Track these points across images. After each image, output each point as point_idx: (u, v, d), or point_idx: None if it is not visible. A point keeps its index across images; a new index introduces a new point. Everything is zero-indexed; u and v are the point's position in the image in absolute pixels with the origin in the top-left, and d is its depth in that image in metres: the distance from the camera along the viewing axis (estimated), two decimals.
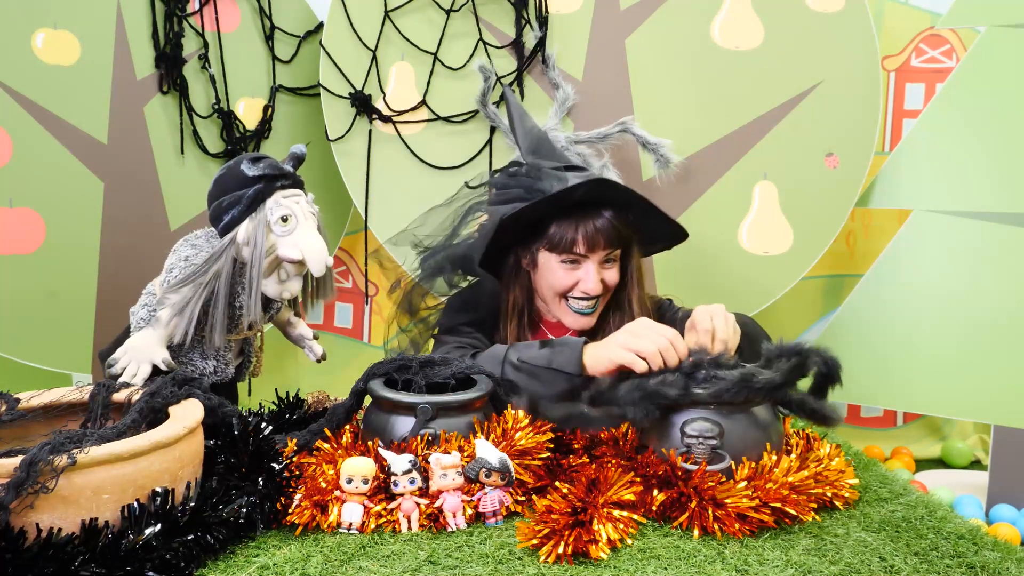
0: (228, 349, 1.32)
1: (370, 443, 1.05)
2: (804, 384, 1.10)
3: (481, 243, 1.55)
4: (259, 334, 1.40)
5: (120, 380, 1.18)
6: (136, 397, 1.03)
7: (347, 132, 2.29)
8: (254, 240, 1.22)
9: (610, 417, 1.05)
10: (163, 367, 1.21)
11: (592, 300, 1.50)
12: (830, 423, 1.08)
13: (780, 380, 1.01)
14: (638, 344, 1.19)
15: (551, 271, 1.51)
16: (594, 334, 1.53)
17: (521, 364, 1.28)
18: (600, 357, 1.24)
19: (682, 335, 1.25)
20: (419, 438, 1.03)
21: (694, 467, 0.98)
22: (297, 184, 1.28)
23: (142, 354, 1.21)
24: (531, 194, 1.52)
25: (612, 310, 1.56)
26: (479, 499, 0.98)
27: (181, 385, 1.04)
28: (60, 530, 0.79)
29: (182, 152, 2.28)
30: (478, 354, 1.37)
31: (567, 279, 1.49)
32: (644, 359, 1.18)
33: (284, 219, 1.23)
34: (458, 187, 1.88)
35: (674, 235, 1.62)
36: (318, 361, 1.47)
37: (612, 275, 1.52)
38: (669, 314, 1.62)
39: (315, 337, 1.46)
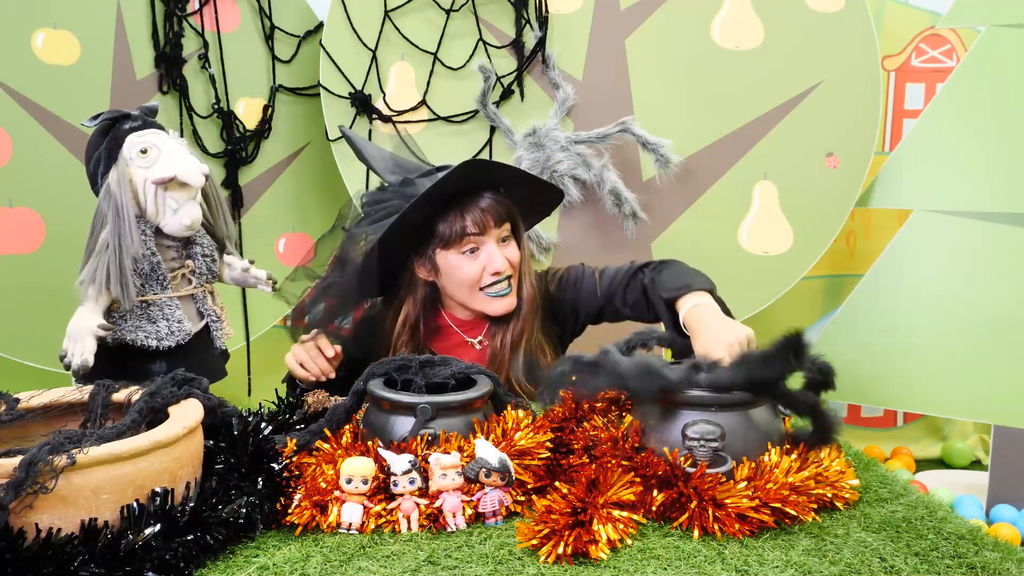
0: (174, 307, 1.30)
1: (370, 443, 1.05)
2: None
3: (370, 263, 1.48)
4: (210, 294, 1.37)
5: (74, 365, 1.18)
6: (136, 397, 1.03)
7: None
8: (121, 182, 1.23)
9: (610, 383, 1.05)
10: (102, 333, 1.21)
11: (505, 280, 1.51)
12: (828, 440, 1.06)
13: (772, 352, 0.99)
14: None
15: (456, 267, 1.50)
16: (513, 316, 1.55)
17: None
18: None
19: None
20: (419, 438, 1.03)
21: (716, 470, 0.98)
22: (150, 126, 1.29)
23: (79, 331, 1.20)
24: (409, 201, 1.45)
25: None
26: (479, 499, 0.98)
27: (181, 385, 1.04)
28: (59, 530, 0.79)
29: None
30: None
31: (474, 268, 1.49)
32: None
33: (143, 151, 1.24)
34: None
35: (552, 199, 1.65)
36: (272, 288, 1.44)
37: (513, 252, 1.53)
38: (576, 282, 1.64)
39: (252, 262, 1.44)
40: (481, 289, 1.51)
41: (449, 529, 0.96)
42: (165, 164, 1.24)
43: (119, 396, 1.07)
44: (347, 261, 1.48)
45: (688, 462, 0.99)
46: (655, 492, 0.98)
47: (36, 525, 0.79)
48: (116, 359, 1.23)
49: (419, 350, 1.53)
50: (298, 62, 2.40)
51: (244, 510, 0.92)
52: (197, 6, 2.27)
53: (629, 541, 0.92)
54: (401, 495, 0.97)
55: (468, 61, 2.29)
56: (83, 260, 1.26)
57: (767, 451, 1.03)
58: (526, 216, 1.61)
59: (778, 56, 2.31)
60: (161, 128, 1.30)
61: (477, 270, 1.49)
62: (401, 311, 1.56)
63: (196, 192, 1.28)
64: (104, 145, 1.26)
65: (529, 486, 1.03)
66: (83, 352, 1.19)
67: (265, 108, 2.37)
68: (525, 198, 1.57)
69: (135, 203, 1.24)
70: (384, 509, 0.96)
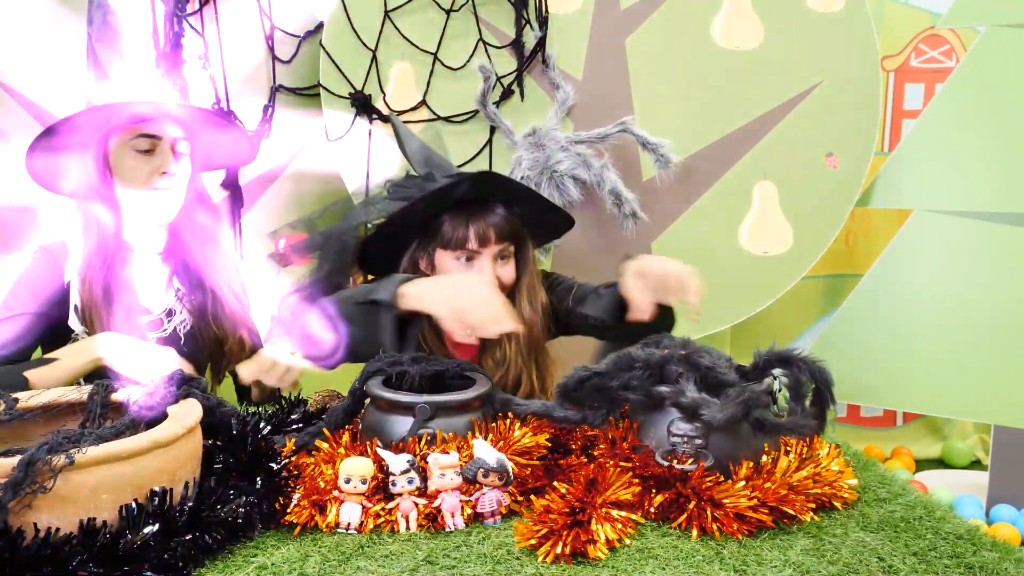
0: None
1: (368, 443, 1.05)
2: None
3: (374, 237, 1.55)
4: None
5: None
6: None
7: (347, 132, 2.29)
8: None
9: (569, 420, 1.09)
10: None
11: None
12: (797, 433, 1.06)
13: (739, 414, 1.00)
14: (462, 311, 1.27)
15: (448, 270, 1.52)
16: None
17: (340, 297, 1.34)
18: (415, 295, 1.32)
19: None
20: (417, 438, 1.03)
21: (693, 467, 0.98)
22: None
23: None
24: (423, 194, 1.52)
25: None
26: (477, 499, 0.98)
27: (180, 385, 1.04)
28: (58, 530, 0.79)
29: None
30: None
31: None
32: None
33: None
34: None
35: (562, 224, 1.68)
36: None
37: (508, 272, 1.54)
38: (559, 285, 1.67)
39: None
40: None
41: (447, 529, 0.96)
42: None
43: (118, 396, 1.07)
44: (344, 234, 1.55)
45: (672, 458, 1.00)
46: (653, 492, 0.99)
47: (35, 524, 0.79)
48: None
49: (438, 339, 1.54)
50: (298, 62, 2.40)
51: (243, 510, 0.92)
52: (197, 6, 2.27)
53: (627, 541, 0.92)
54: (400, 495, 0.97)
55: (468, 61, 2.29)
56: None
57: (761, 450, 1.03)
58: (534, 235, 1.63)
59: (778, 56, 2.30)
60: None
61: None
62: None
63: None
64: None
65: (527, 486, 1.03)
66: None
67: (265, 108, 2.37)
68: (535, 218, 1.59)
69: None
70: (383, 509, 0.97)
